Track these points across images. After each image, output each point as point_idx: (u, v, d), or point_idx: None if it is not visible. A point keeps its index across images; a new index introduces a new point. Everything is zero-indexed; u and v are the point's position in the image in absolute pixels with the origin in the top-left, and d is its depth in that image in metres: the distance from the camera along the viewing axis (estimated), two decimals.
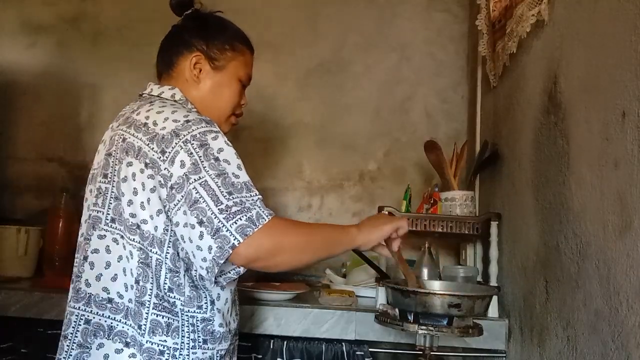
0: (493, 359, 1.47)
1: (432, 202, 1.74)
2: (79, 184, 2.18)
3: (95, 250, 1.01)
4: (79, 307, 1.00)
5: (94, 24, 2.26)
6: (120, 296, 0.98)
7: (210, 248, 0.90)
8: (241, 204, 0.92)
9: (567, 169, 1.13)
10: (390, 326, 1.14)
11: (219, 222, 0.90)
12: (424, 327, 1.08)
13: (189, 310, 0.99)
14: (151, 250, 0.97)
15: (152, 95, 1.14)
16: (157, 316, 0.97)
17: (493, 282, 1.53)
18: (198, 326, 1.00)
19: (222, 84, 1.17)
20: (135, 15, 2.24)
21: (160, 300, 0.98)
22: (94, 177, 1.08)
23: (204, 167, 0.94)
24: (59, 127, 2.21)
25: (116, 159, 1.02)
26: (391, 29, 2.20)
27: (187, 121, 0.99)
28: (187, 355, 0.98)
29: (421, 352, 1.16)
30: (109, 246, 1.00)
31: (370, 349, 1.45)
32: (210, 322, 1.01)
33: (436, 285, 1.29)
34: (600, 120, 0.98)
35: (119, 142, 1.02)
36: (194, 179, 0.93)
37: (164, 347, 0.97)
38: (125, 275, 0.99)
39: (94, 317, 0.99)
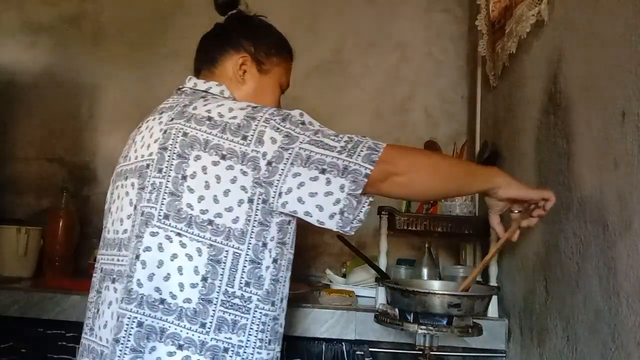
0: (493, 359, 1.47)
1: (432, 202, 1.74)
2: (79, 184, 2.20)
3: (147, 249, 0.96)
4: (131, 309, 0.95)
5: (94, 24, 2.26)
6: (173, 296, 0.94)
7: (342, 187, 0.93)
8: (352, 141, 0.96)
9: (567, 168, 1.13)
10: (390, 326, 1.14)
11: (343, 162, 0.93)
12: (423, 327, 1.08)
13: (263, 308, 0.97)
14: (227, 244, 0.95)
15: (197, 89, 1.11)
16: (224, 313, 0.94)
17: (493, 282, 1.53)
18: (268, 325, 0.98)
19: (265, 88, 1.17)
20: (135, 15, 2.24)
21: (230, 297, 0.95)
22: (139, 170, 1.02)
23: (298, 133, 0.95)
24: (59, 127, 2.21)
25: (174, 153, 0.97)
26: (391, 29, 2.20)
27: (254, 107, 0.99)
28: (251, 354, 0.96)
29: (421, 352, 1.16)
30: (161, 244, 0.96)
31: (370, 349, 1.45)
32: (277, 322, 1.00)
33: (436, 285, 1.29)
34: (600, 120, 0.98)
35: (178, 136, 0.98)
36: (297, 145, 0.94)
37: (228, 345, 0.94)
38: (182, 274, 0.94)
39: (146, 320, 0.94)
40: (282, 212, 0.97)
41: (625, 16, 0.89)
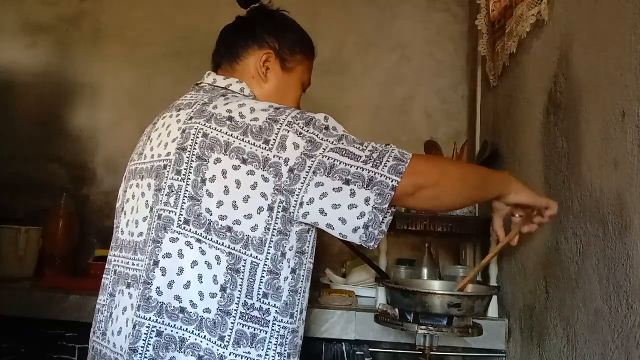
0: (493, 359, 1.47)
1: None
2: (79, 184, 2.20)
3: (167, 255, 0.91)
4: (150, 318, 0.90)
5: (94, 24, 2.26)
6: (194, 305, 0.90)
7: (367, 200, 0.88)
8: (377, 150, 0.91)
9: (567, 168, 1.13)
10: (390, 326, 1.14)
11: (369, 173, 0.89)
12: (424, 327, 1.08)
13: (282, 320, 0.93)
14: (245, 253, 0.90)
15: (217, 86, 1.07)
16: (243, 327, 0.90)
17: (493, 282, 1.53)
18: (287, 338, 0.94)
19: (287, 87, 1.13)
20: (135, 15, 2.24)
21: (249, 309, 0.91)
22: (156, 171, 0.97)
23: (322, 139, 0.91)
24: (59, 127, 2.21)
25: (193, 155, 0.92)
26: (391, 29, 2.20)
27: (277, 108, 0.94)
28: None
29: (421, 352, 1.16)
30: (181, 250, 0.91)
31: (370, 349, 1.45)
32: (297, 335, 0.96)
33: (436, 285, 1.29)
34: (600, 120, 0.98)
35: (198, 137, 0.93)
36: (320, 152, 0.89)
37: (247, 359, 0.90)
38: (202, 282, 0.90)
39: (166, 329, 0.90)
40: (302, 222, 0.93)
41: (625, 16, 0.89)
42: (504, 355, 1.46)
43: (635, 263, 0.85)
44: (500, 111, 1.66)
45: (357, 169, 0.89)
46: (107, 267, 1.05)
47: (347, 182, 0.88)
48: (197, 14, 2.16)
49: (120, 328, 0.94)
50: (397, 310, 1.14)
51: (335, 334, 1.45)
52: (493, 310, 1.46)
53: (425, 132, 2.08)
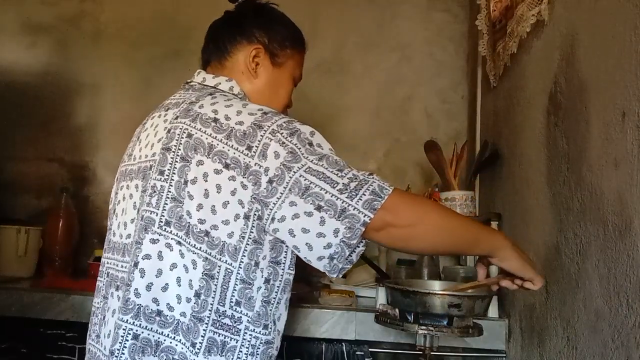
0: (493, 359, 1.47)
1: None
2: (79, 184, 2.20)
3: (147, 256, 0.90)
4: (127, 320, 0.90)
5: (94, 24, 2.26)
6: (171, 308, 0.89)
7: (336, 231, 0.85)
8: (356, 179, 0.87)
9: (567, 168, 1.13)
10: (390, 326, 1.14)
11: (342, 203, 0.85)
12: (424, 327, 1.08)
13: (253, 330, 0.90)
14: (220, 259, 0.89)
15: (206, 85, 1.05)
16: (214, 334, 0.88)
17: None
18: (259, 348, 0.91)
19: (278, 82, 1.11)
20: (135, 15, 2.24)
21: (221, 316, 0.89)
22: (143, 172, 0.96)
23: (303, 154, 0.87)
24: (59, 127, 2.21)
25: (177, 155, 0.91)
26: (391, 29, 2.20)
27: (265, 113, 0.92)
28: None
29: (421, 352, 1.16)
30: (161, 252, 0.90)
31: (370, 349, 1.45)
32: (271, 346, 0.93)
33: (436, 285, 1.29)
34: (600, 120, 0.98)
35: (182, 137, 0.91)
36: (297, 168, 0.86)
37: None
38: (180, 286, 0.89)
39: (142, 332, 0.89)
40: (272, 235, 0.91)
41: (625, 16, 0.89)
42: (504, 355, 1.46)
43: (635, 263, 0.85)
44: (500, 111, 1.66)
45: (331, 196, 0.86)
46: (100, 269, 1.04)
47: (319, 208, 0.85)
48: (197, 14, 2.15)
49: (110, 331, 0.94)
50: (397, 310, 1.13)
51: (335, 334, 1.45)
52: (493, 310, 1.46)
53: (425, 132, 2.09)
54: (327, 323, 1.45)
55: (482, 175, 1.80)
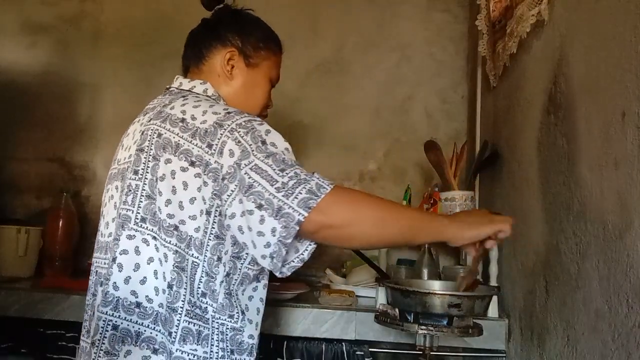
0: (493, 359, 1.47)
1: (432, 202, 1.74)
2: (79, 184, 2.20)
3: (124, 252, 0.96)
4: (107, 312, 0.95)
5: (94, 24, 2.26)
6: (149, 300, 0.94)
7: (273, 230, 0.87)
8: (297, 177, 0.88)
9: (567, 169, 1.13)
10: (390, 326, 1.14)
11: (278, 202, 0.86)
12: (424, 327, 1.08)
13: (219, 318, 0.95)
14: (188, 252, 0.93)
15: (182, 89, 1.10)
16: (188, 323, 0.93)
17: (493, 282, 1.53)
18: (227, 334, 0.95)
19: (254, 83, 1.15)
20: (135, 15, 2.24)
21: (192, 306, 0.93)
22: (122, 173, 1.03)
23: (252, 152, 0.90)
24: (59, 127, 2.21)
25: (150, 155, 0.96)
26: (391, 29, 2.20)
27: (229, 112, 0.96)
28: None
29: (421, 352, 1.16)
30: (138, 247, 0.95)
31: (370, 349, 1.45)
32: (240, 333, 0.97)
33: (436, 285, 1.29)
34: (600, 120, 0.98)
35: (154, 137, 0.97)
36: (245, 164, 0.89)
37: (194, 357, 0.93)
38: (157, 278, 0.94)
39: (122, 323, 0.94)
40: None
41: (626, 16, 0.89)
42: (504, 355, 1.46)
43: (635, 263, 0.85)
44: (500, 111, 1.66)
45: (269, 194, 0.87)
46: (91, 268, 1.08)
47: (260, 207, 0.87)
48: (197, 14, 2.15)
49: (95, 324, 0.98)
50: (397, 310, 1.14)
51: (335, 334, 1.45)
52: (493, 310, 1.46)
53: (425, 132, 2.09)
54: (327, 323, 1.45)
55: (482, 175, 1.80)
